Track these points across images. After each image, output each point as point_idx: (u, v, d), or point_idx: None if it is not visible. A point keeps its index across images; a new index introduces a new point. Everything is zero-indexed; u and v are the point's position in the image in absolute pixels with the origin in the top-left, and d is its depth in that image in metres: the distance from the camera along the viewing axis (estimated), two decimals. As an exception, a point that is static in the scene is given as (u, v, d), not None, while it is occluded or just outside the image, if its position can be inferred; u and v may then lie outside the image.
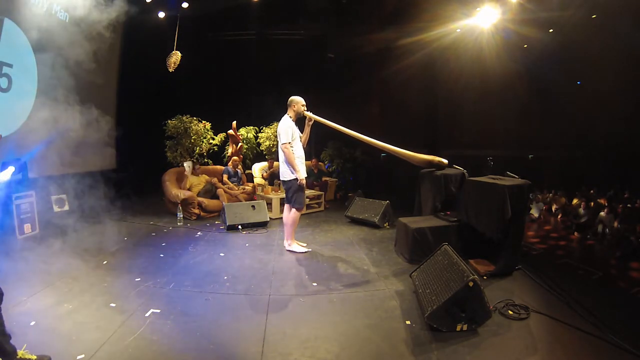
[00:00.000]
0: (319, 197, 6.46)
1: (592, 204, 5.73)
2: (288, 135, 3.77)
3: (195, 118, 6.73)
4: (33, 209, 4.16)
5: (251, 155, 7.71)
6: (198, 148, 6.73)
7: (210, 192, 5.83)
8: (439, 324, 2.30)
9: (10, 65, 4.30)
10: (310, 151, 8.50)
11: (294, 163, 3.77)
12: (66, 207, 4.88)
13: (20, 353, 1.85)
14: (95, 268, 3.37)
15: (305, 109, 3.95)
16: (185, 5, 6.81)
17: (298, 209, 3.93)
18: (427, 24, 6.85)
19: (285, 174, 3.86)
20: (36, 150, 4.28)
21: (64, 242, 3.98)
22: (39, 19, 4.58)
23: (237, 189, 6.24)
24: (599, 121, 6.84)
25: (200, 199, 5.60)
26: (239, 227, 4.88)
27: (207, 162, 6.95)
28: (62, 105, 4.28)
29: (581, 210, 5.60)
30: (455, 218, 3.81)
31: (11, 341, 1.82)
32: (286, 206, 4.05)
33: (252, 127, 7.68)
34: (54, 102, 4.24)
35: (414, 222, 3.84)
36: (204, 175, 6.28)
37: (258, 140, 7.59)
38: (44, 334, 2.18)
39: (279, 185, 5.97)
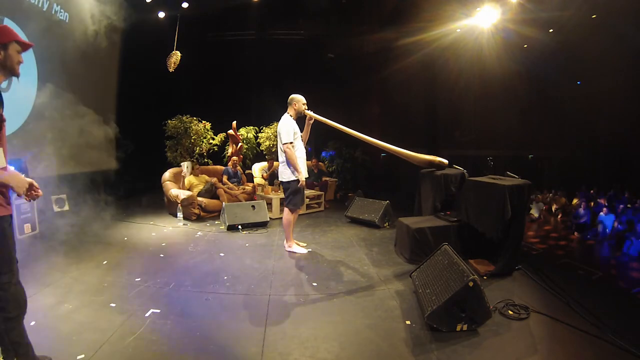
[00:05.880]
0: (319, 197, 6.46)
1: (592, 204, 5.73)
2: (290, 135, 3.74)
3: (195, 118, 6.74)
4: (33, 209, 4.16)
5: (251, 155, 7.72)
6: (198, 148, 6.74)
7: (210, 192, 5.83)
8: (439, 324, 2.30)
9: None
10: (311, 151, 8.51)
11: (296, 163, 3.74)
12: (66, 207, 4.88)
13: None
14: (95, 268, 3.37)
15: (306, 107, 3.93)
16: (185, 5, 6.81)
17: (291, 210, 3.89)
18: (427, 24, 6.86)
19: (284, 175, 3.84)
20: (36, 150, 4.28)
21: (63, 242, 3.98)
22: (39, 18, 4.58)
23: (237, 189, 6.24)
24: (599, 121, 6.84)
25: (200, 199, 5.60)
26: (239, 227, 4.88)
27: (207, 162, 6.96)
28: (61, 105, 4.28)
29: (581, 210, 5.60)
30: (455, 218, 3.81)
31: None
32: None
33: (252, 127, 7.68)
34: (54, 102, 4.24)
35: (414, 222, 3.84)
36: (204, 175, 6.28)
37: (258, 140, 7.60)
38: (44, 334, 2.18)
39: (279, 185, 5.98)
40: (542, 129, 7.98)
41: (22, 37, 1.80)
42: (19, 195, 1.66)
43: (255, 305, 2.72)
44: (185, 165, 5.96)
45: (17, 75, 1.79)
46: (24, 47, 1.80)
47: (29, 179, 1.69)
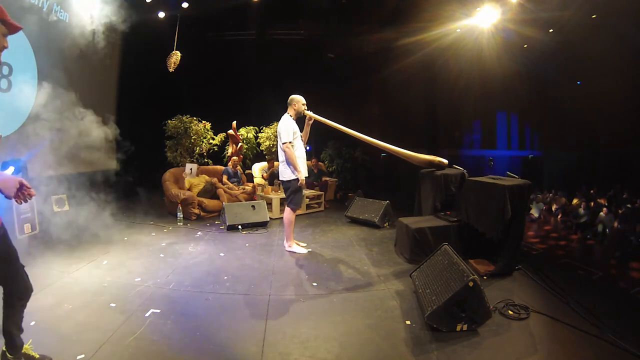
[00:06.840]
0: (319, 197, 6.46)
1: (592, 204, 5.73)
2: (289, 135, 3.76)
3: (195, 118, 6.74)
4: (33, 209, 4.15)
5: (251, 155, 7.72)
6: (198, 148, 6.74)
7: (210, 192, 5.83)
8: (439, 324, 2.30)
9: (9, 66, 4.30)
10: (311, 151, 8.51)
11: (296, 163, 3.76)
12: (66, 207, 4.88)
13: (25, 348, 1.86)
14: (95, 268, 3.37)
15: (306, 107, 3.95)
16: (185, 5, 6.81)
17: (293, 209, 3.90)
18: (427, 24, 6.86)
19: (285, 174, 3.85)
20: (36, 150, 4.27)
21: (63, 242, 3.98)
22: (39, 18, 4.58)
23: (237, 189, 6.24)
24: (599, 121, 6.84)
25: (200, 199, 5.60)
26: (239, 227, 4.88)
27: (207, 162, 6.96)
28: (61, 105, 4.27)
29: (581, 210, 5.60)
30: (455, 218, 3.81)
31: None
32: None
33: (252, 127, 7.68)
34: (54, 102, 4.24)
35: (414, 222, 3.84)
36: (203, 175, 6.28)
37: (258, 140, 7.60)
38: (44, 334, 2.18)
39: (279, 185, 5.98)
40: (542, 129, 7.99)
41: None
42: (8, 198, 1.42)
43: (255, 305, 2.72)
44: (190, 168, 5.95)
45: None
46: (12, 29, 1.53)
47: (18, 178, 1.46)
